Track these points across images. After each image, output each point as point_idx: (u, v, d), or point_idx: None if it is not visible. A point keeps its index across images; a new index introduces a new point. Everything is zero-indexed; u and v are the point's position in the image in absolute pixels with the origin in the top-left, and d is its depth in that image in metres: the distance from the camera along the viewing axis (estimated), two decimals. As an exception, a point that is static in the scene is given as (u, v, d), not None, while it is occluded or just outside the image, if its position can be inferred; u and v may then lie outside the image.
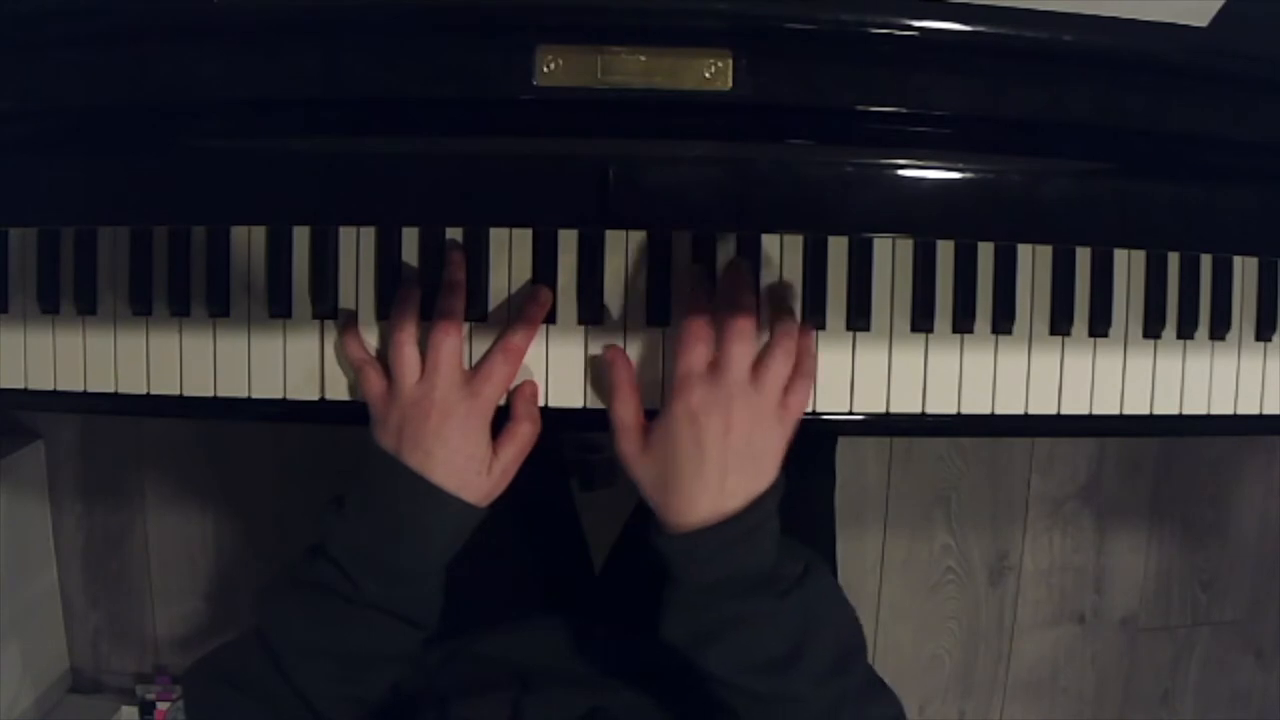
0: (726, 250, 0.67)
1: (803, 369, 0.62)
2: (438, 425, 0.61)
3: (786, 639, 0.58)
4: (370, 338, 0.67)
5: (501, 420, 0.65)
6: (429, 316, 0.65)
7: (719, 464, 0.58)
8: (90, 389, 0.69)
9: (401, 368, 0.62)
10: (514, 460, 0.65)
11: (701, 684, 0.60)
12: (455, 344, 0.62)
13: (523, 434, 0.65)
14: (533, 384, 0.67)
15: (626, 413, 0.62)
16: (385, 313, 0.67)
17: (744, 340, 0.60)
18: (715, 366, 0.59)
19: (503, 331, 0.65)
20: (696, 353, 0.59)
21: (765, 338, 0.63)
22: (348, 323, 0.67)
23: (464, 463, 0.61)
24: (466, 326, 0.66)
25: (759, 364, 0.60)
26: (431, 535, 0.62)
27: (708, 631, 0.58)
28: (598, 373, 0.67)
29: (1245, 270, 0.71)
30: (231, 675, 0.62)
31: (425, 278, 0.67)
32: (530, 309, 0.66)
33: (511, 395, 0.66)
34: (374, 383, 0.63)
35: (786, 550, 0.61)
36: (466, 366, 0.65)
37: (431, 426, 0.61)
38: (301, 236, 0.67)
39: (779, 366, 0.60)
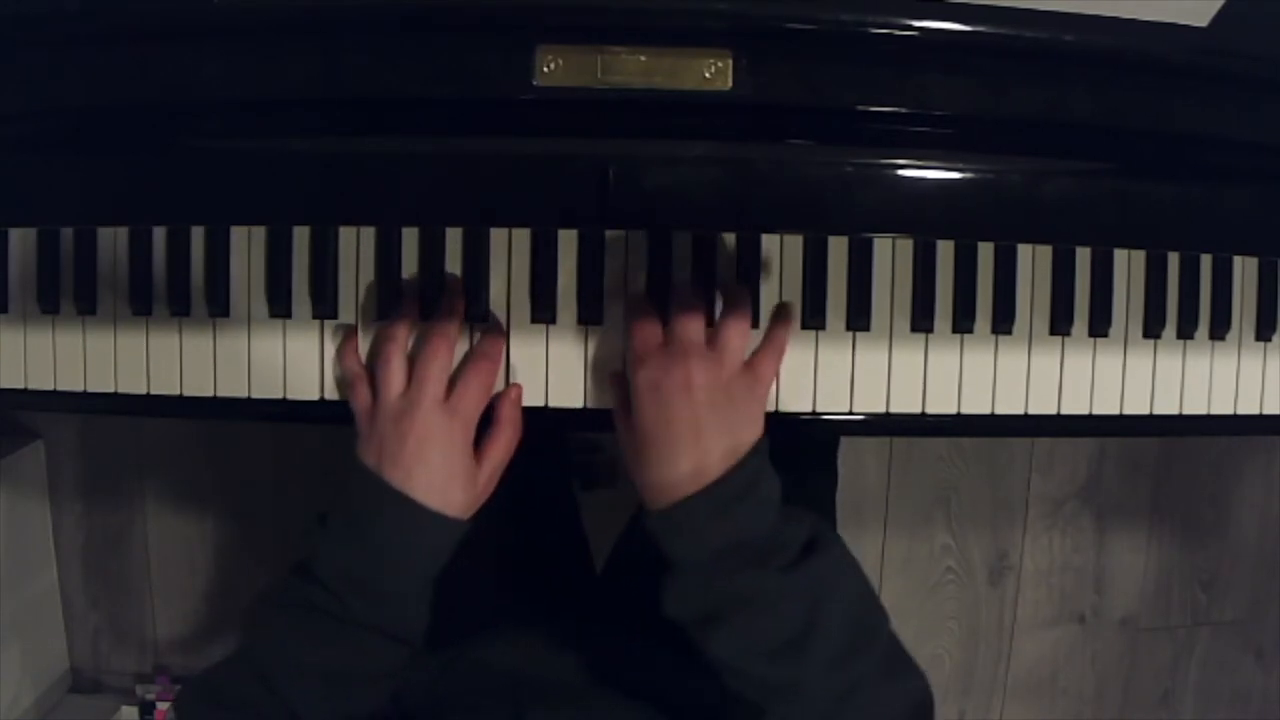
0: (727, 250, 0.67)
1: (772, 341, 0.63)
2: (417, 447, 0.60)
3: (796, 619, 0.55)
4: (368, 341, 0.67)
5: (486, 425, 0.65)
6: (425, 317, 0.65)
7: (689, 423, 0.57)
8: (90, 389, 0.69)
9: (387, 382, 0.62)
10: (497, 469, 0.65)
11: (710, 680, 0.58)
12: (443, 365, 0.62)
13: (505, 441, 0.65)
14: (518, 388, 0.66)
15: (615, 399, 0.63)
16: (384, 313, 0.67)
17: (693, 315, 0.60)
18: (667, 335, 0.60)
19: (472, 344, 0.65)
20: (647, 327, 0.60)
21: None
22: (346, 334, 0.67)
23: (445, 481, 0.61)
24: (465, 330, 0.66)
25: (715, 331, 0.61)
26: (414, 553, 0.61)
27: (709, 613, 0.56)
28: (598, 374, 0.67)
29: (1245, 270, 0.71)
30: (222, 696, 0.61)
31: (423, 282, 0.67)
32: (494, 316, 0.66)
33: (496, 400, 0.65)
34: (362, 398, 0.63)
35: (789, 518, 0.58)
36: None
37: (411, 447, 0.60)
38: (301, 236, 0.67)
39: (733, 332, 0.60)
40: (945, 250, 0.68)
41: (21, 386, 0.70)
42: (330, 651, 0.60)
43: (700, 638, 0.57)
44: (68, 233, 0.69)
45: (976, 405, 0.69)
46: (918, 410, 0.68)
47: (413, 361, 0.63)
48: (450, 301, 0.65)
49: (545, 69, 0.56)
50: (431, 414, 0.61)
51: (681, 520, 0.57)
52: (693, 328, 0.60)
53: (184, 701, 0.63)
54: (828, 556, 0.57)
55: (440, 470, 0.61)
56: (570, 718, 0.63)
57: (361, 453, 0.62)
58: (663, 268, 0.67)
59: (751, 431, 0.59)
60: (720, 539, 0.56)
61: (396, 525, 0.61)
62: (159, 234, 0.68)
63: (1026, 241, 0.68)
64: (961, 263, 0.68)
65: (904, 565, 1.60)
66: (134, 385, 0.68)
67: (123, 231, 0.68)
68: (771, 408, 0.66)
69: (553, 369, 0.67)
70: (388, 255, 0.67)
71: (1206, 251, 0.70)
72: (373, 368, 0.64)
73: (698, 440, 0.57)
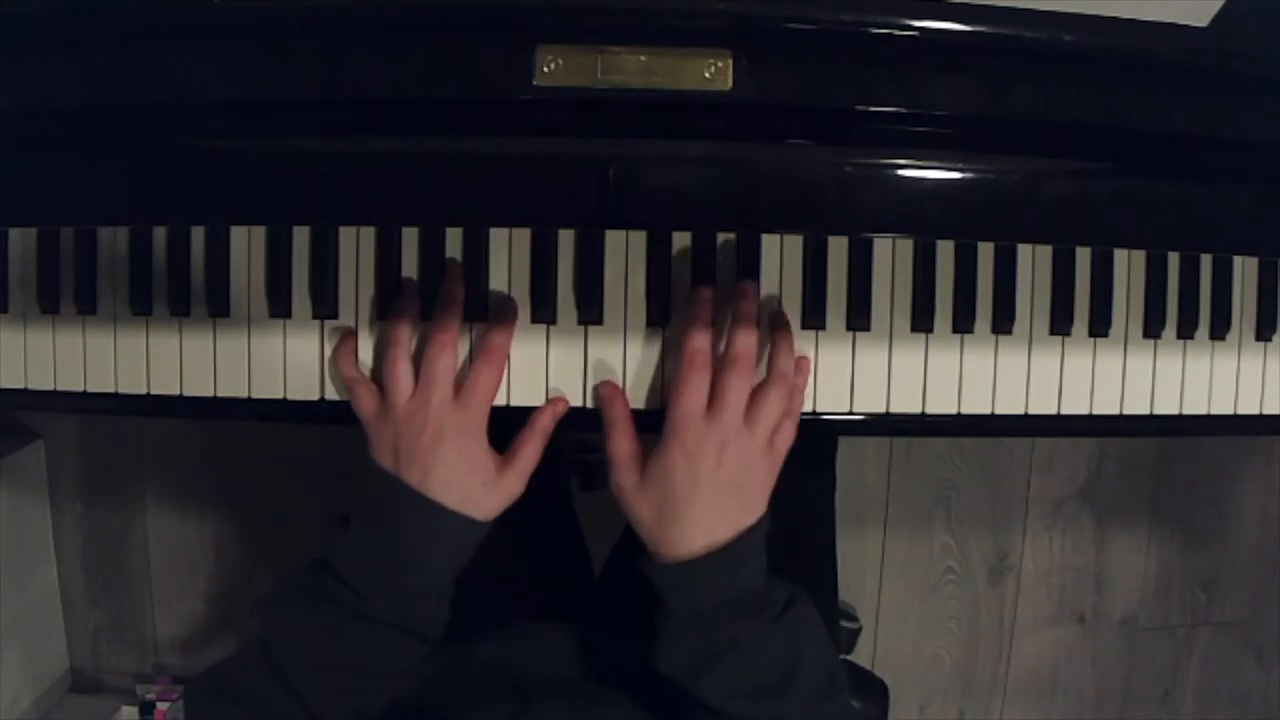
0: (726, 250, 0.67)
1: (791, 409, 0.63)
2: (432, 442, 0.61)
3: (778, 664, 0.59)
4: (368, 342, 0.67)
5: (498, 428, 0.65)
6: (426, 317, 0.65)
7: (711, 499, 0.60)
8: (90, 389, 0.69)
9: (395, 384, 0.62)
10: (523, 473, 0.64)
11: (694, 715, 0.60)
12: (449, 360, 0.62)
13: (533, 447, 0.65)
14: (565, 403, 0.66)
15: (623, 449, 0.62)
16: (384, 314, 0.66)
17: (743, 378, 0.61)
18: (712, 405, 0.60)
19: (481, 337, 0.65)
20: (694, 395, 0.60)
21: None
22: (342, 339, 0.67)
23: (464, 478, 0.62)
24: (467, 329, 0.66)
25: (753, 403, 0.61)
26: (437, 553, 0.62)
27: (703, 659, 0.59)
28: (598, 374, 0.67)
29: (1245, 270, 0.71)
30: (234, 690, 0.61)
31: (423, 282, 0.67)
32: (504, 303, 0.66)
33: (536, 408, 0.66)
34: (366, 401, 0.63)
35: (773, 582, 0.62)
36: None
37: (426, 444, 0.61)
38: (301, 236, 0.67)
39: (773, 410, 0.61)
40: (945, 250, 0.68)
41: (21, 386, 0.70)
42: (349, 648, 0.60)
43: (690, 685, 0.59)
44: (68, 233, 0.69)
45: (976, 405, 0.69)
46: (918, 410, 0.68)
47: (417, 362, 0.63)
48: (451, 291, 0.65)
49: (545, 69, 0.56)
50: (443, 411, 0.61)
51: (687, 577, 0.59)
52: (740, 401, 0.60)
53: (195, 695, 0.63)
54: (805, 610, 0.62)
55: (457, 466, 0.61)
56: (570, 717, 0.63)
57: (376, 456, 0.63)
58: (663, 268, 0.67)
59: (759, 507, 0.62)
60: (721, 593, 0.59)
61: (418, 526, 0.61)
62: (159, 234, 0.68)
63: (1026, 241, 0.68)
64: (961, 263, 0.68)
65: (904, 565, 1.60)
66: (134, 385, 0.68)
67: (123, 231, 0.68)
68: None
69: (553, 369, 0.67)
70: (388, 255, 0.67)
71: (1206, 251, 0.70)
72: (376, 371, 0.64)
73: (714, 515, 0.60)
